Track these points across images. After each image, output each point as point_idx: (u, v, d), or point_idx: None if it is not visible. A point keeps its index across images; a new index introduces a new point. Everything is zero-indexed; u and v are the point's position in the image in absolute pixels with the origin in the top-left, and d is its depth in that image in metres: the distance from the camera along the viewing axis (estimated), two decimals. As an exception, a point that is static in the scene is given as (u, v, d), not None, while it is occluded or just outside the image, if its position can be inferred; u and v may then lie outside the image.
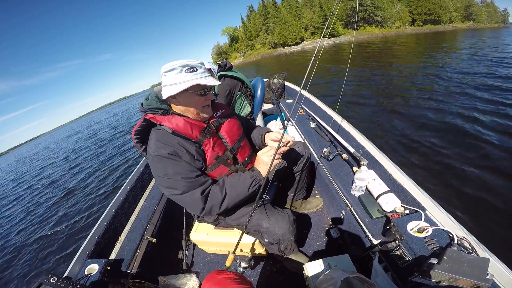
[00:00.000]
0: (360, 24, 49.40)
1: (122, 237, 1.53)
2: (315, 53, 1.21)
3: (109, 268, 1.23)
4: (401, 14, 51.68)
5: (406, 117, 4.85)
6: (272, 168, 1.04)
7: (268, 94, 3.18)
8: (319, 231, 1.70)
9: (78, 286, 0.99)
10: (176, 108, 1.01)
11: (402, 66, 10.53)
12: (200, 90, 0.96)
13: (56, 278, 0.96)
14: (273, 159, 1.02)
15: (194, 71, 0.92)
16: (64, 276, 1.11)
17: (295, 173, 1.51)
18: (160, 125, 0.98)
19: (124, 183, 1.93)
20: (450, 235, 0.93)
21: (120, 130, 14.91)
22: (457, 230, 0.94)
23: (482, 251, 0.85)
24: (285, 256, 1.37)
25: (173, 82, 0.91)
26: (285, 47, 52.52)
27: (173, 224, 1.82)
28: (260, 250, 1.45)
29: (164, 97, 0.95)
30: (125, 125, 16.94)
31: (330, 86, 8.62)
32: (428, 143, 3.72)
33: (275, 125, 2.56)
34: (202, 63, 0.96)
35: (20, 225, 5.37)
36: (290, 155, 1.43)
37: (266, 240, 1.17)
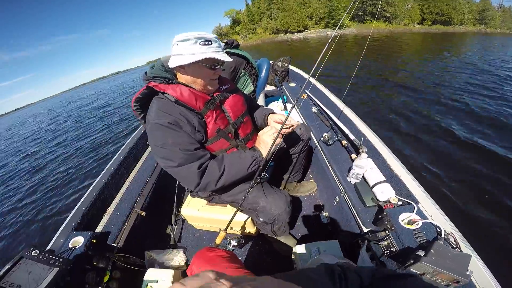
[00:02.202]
0: (367, 18, 48.41)
1: (111, 209, 1.49)
2: (332, 36, 1.22)
3: (94, 241, 1.20)
4: (411, 12, 50.61)
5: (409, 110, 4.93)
6: (272, 149, 1.02)
7: (271, 76, 3.17)
8: (309, 215, 1.71)
9: (60, 259, 0.97)
10: (181, 78, 0.98)
11: (406, 62, 10.56)
12: (211, 64, 0.93)
13: (38, 251, 0.93)
14: (275, 140, 1.00)
15: (209, 44, 0.89)
16: (47, 249, 1.08)
17: (293, 154, 1.50)
18: (163, 93, 0.95)
19: (117, 153, 1.86)
20: (438, 229, 0.94)
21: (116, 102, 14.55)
22: (445, 225, 0.95)
23: (466, 248, 0.87)
24: (275, 237, 1.39)
25: (186, 52, 0.88)
26: (287, 34, 51.83)
27: (164, 198, 1.79)
28: (250, 229, 1.45)
29: (172, 65, 0.92)
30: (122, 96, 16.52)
31: (334, 74, 8.65)
32: (430, 138, 3.82)
33: (276, 106, 2.56)
34: (217, 37, 0.93)
35: (1, 194, 5.16)
36: (291, 136, 1.41)
37: (261, 219, 1.17)
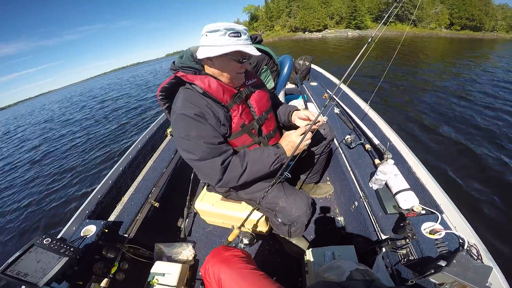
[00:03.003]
0: (392, 20, 46.75)
1: (125, 198, 1.49)
2: (372, 36, 1.15)
3: (106, 231, 1.20)
4: (439, 16, 48.27)
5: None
6: (299, 150, 0.99)
7: (292, 74, 3.16)
8: (324, 218, 1.67)
9: (71, 249, 0.96)
10: (209, 70, 0.97)
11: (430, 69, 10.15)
12: (239, 57, 0.91)
13: (50, 239, 0.91)
14: (302, 140, 0.97)
15: (238, 36, 0.87)
16: (59, 237, 1.06)
17: (314, 155, 1.47)
18: (191, 83, 0.94)
19: (136, 141, 1.88)
20: (461, 240, 0.91)
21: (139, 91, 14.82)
22: (469, 236, 0.92)
23: (487, 260, 0.84)
24: (287, 238, 1.37)
25: (214, 44, 0.86)
26: (306, 33, 50.85)
27: (178, 190, 1.80)
28: (262, 228, 1.44)
29: (200, 57, 0.90)
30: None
31: (357, 75, 8.48)
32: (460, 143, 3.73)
33: (297, 104, 2.52)
34: (247, 30, 0.90)
35: (20, 179, 5.25)
36: (314, 136, 1.37)
37: (279, 220, 1.14)
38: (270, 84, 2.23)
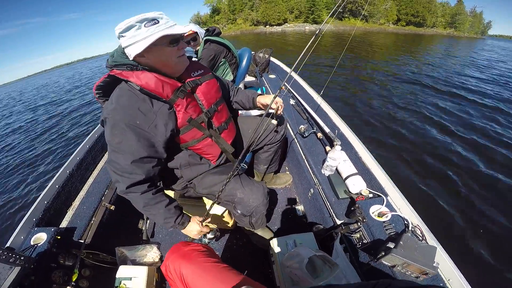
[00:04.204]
0: (346, 15, 49.57)
1: (76, 203, 1.39)
2: (319, 28, 1.24)
3: (59, 237, 1.12)
4: (388, 12, 52.50)
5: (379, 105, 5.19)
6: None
7: (252, 66, 3.14)
8: (285, 207, 1.71)
9: (22, 258, 0.91)
10: (146, 65, 0.89)
11: (377, 61, 11.08)
12: (169, 41, 0.84)
13: None
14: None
15: (156, 23, 0.80)
16: (6, 246, 1.00)
17: (270, 144, 1.48)
18: (127, 81, 0.85)
19: (83, 141, 1.72)
20: (406, 222, 0.97)
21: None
22: (412, 217, 0.99)
23: (431, 240, 0.90)
24: (252, 230, 1.38)
25: (136, 40, 0.78)
26: (267, 26, 51.70)
27: None
28: (227, 222, 1.42)
29: (131, 57, 0.83)
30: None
31: (311, 69, 8.85)
32: (398, 134, 4.01)
33: None
34: (162, 13, 0.83)
35: None
36: (268, 126, 1.38)
37: (239, 211, 1.14)
38: (229, 77, 2.20)
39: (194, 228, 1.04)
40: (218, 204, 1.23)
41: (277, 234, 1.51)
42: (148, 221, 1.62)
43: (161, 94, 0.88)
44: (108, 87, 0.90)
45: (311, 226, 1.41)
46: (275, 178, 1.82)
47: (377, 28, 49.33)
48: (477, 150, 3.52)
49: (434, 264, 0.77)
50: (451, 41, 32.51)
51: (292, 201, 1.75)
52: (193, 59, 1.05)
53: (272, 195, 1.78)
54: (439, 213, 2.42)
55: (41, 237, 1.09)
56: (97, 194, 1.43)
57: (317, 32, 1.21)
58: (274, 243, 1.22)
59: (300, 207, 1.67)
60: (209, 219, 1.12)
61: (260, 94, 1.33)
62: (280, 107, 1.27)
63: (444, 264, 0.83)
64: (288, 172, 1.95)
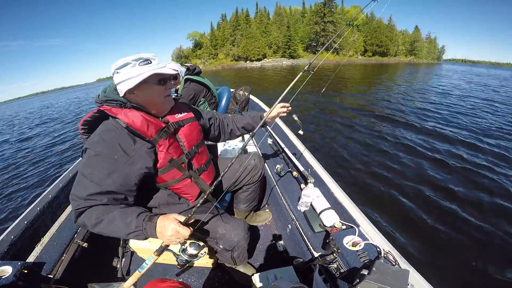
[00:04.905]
0: (319, 49, 53.91)
1: (45, 239, 1.35)
2: (309, 64, 1.36)
3: (26, 271, 1.06)
4: (356, 44, 56.67)
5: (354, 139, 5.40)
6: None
7: (232, 105, 3.22)
8: (266, 243, 1.75)
9: None
10: (135, 102, 0.96)
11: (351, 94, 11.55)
12: (158, 80, 0.94)
13: None
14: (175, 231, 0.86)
15: (148, 63, 0.90)
16: None
17: (248, 184, 1.55)
18: (115, 117, 0.92)
19: (57, 179, 1.70)
20: (378, 249, 1.04)
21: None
22: (383, 244, 1.06)
23: (403, 264, 0.97)
24: (235, 266, 1.38)
25: (129, 76, 0.88)
26: (247, 62, 53.82)
27: None
28: (208, 260, 1.43)
29: (122, 94, 0.91)
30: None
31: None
32: (364, 165, 4.11)
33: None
34: (155, 56, 0.95)
35: None
36: (246, 167, 1.47)
37: (221, 246, 1.17)
38: None
39: (168, 226, 0.85)
40: (200, 241, 1.26)
41: (259, 270, 1.52)
42: (123, 259, 1.57)
43: (145, 133, 0.94)
44: (95, 122, 0.95)
45: (292, 260, 1.45)
46: (255, 216, 1.87)
47: (347, 60, 53.17)
48: (439, 176, 3.72)
49: (408, 287, 0.80)
50: (412, 68, 35.25)
51: (272, 237, 1.79)
52: (172, 96, 1.13)
53: (253, 232, 1.82)
54: (410, 237, 2.50)
55: (6, 270, 1.04)
56: (69, 231, 1.41)
57: (306, 67, 1.37)
58: (255, 279, 1.24)
59: (280, 242, 1.71)
60: (192, 220, 0.94)
61: (263, 113, 1.41)
62: (287, 109, 1.37)
63: (419, 285, 0.89)
64: (267, 210, 2.01)
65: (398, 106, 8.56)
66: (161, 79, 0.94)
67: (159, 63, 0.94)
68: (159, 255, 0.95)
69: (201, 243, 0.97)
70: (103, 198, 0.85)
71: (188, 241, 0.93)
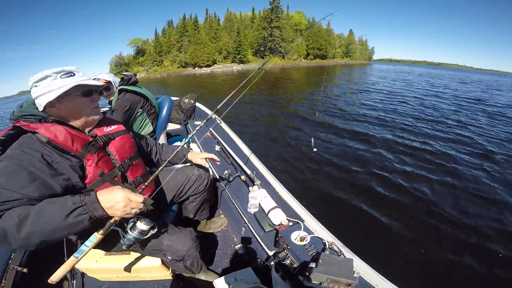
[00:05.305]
0: (267, 53, 56.21)
1: None
2: (262, 64, 1.49)
3: None
4: (299, 47, 60.93)
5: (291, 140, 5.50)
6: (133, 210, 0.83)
7: (177, 113, 3.09)
8: (225, 248, 1.76)
9: None
10: (57, 116, 0.88)
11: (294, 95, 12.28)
12: (82, 92, 0.88)
13: None
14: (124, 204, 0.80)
15: (72, 75, 0.85)
16: None
17: (195, 194, 1.53)
18: (34, 132, 0.82)
19: None
20: (323, 241, 1.14)
21: None
22: (327, 236, 1.16)
23: (347, 253, 1.06)
24: (194, 275, 1.36)
25: (49, 90, 0.81)
26: (196, 68, 52.29)
27: (51, 248, 1.44)
28: (165, 272, 1.36)
29: (41, 108, 0.82)
30: None
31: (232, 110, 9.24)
32: (302, 163, 4.24)
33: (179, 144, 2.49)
34: (79, 69, 0.90)
35: None
36: (190, 178, 1.45)
37: (169, 257, 1.13)
38: (148, 128, 2.12)
39: (118, 196, 0.77)
40: (146, 255, 1.21)
41: (222, 275, 1.49)
42: (74, 281, 1.42)
43: (70, 148, 0.86)
44: (10, 142, 0.82)
45: (252, 261, 1.49)
46: (210, 224, 1.87)
47: (291, 64, 56.46)
48: (373, 163, 4.11)
49: (354, 275, 0.88)
50: (347, 69, 38.89)
51: (230, 242, 1.81)
52: (107, 108, 1.07)
53: (211, 239, 1.82)
54: (352, 227, 2.65)
55: None
56: (3, 256, 1.23)
57: (255, 71, 1.49)
58: (217, 284, 1.25)
59: (239, 246, 1.74)
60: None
61: (190, 150, 1.42)
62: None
63: (366, 272, 0.96)
64: (222, 216, 2.03)
65: (335, 103, 9.47)
66: (86, 91, 0.90)
67: (83, 75, 0.89)
68: (104, 233, 0.83)
69: (150, 220, 0.93)
70: (23, 202, 0.74)
71: (137, 217, 0.89)
